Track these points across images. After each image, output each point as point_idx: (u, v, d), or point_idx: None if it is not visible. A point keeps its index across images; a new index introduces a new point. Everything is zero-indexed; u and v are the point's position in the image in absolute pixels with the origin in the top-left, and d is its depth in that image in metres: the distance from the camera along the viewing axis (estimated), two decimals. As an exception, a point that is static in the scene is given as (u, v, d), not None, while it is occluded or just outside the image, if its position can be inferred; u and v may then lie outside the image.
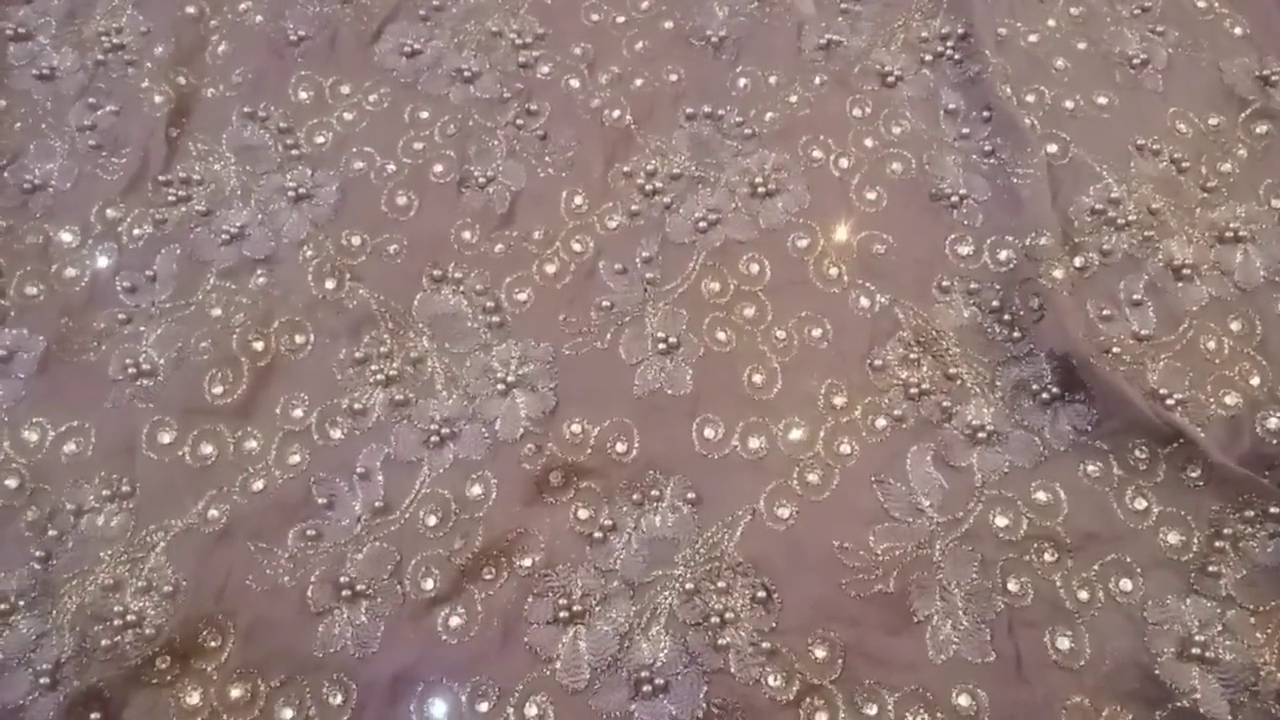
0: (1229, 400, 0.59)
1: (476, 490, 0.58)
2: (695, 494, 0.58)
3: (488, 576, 0.56)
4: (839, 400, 0.60)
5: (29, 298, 0.65)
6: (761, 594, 0.55)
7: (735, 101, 0.72)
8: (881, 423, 0.60)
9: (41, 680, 0.53)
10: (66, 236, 0.68)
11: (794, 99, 0.72)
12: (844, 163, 0.69)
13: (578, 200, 0.68)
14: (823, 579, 0.55)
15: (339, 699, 0.53)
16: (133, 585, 0.56)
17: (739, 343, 0.63)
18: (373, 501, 0.58)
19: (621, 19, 0.77)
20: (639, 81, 0.74)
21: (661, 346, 0.62)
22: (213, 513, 0.58)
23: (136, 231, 0.68)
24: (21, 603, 0.55)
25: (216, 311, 0.64)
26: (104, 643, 0.54)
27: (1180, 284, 0.63)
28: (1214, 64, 0.73)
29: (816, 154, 0.70)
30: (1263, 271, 0.63)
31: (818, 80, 0.73)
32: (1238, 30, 0.75)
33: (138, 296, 0.65)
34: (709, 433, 0.60)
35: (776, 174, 0.68)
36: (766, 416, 0.60)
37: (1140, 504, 0.56)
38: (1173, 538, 0.55)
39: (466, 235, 0.67)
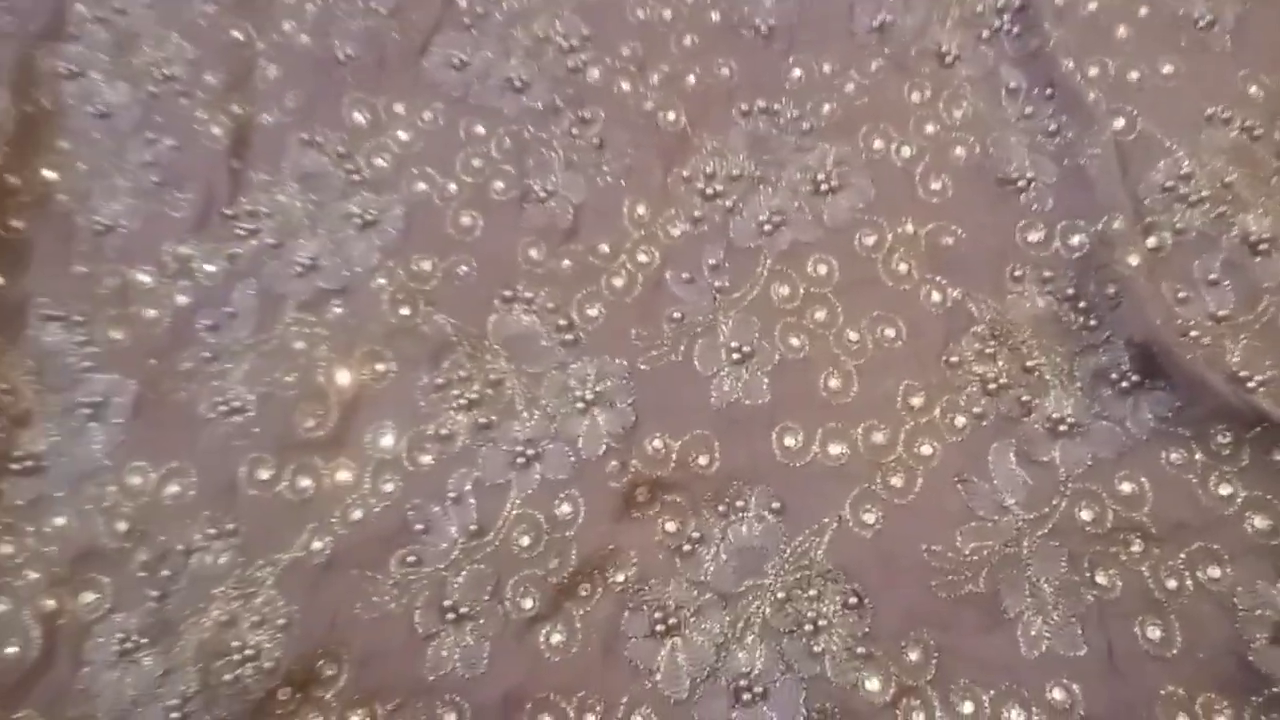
0: (1313, 378, 0.58)
1: (565, 509, 0.60)
2: (780, 503, 0.59)
3: (584, 593, 0.58)
4: (917, 400, 0.61)
5: (115, 342, 0.67)
6: (853, 600, 0.56)
7: (790, 94, 0.72)
8: (961, 421, 0.60)
9: (173, 715, 0.56)
10: (143, 277, 0.69)
11: (850, 88, 0.71)
12: (906, 151, 0.69)
13: (640, 209, 0.69)
14: (913, 582, 0.56)
15: (453, 719, 0.56)
16: (247, 620, 0.58)
17: (813, 347, 0.63)
18: (467, 525, 0.60)
19: (668, 13, 0.76)
20: (691, 79, 0.73)
21: (736, 356, 0.63)
22: (316, 544, 0.60)
23: (210, 268, 0.69)
24: (144, 640, 0.58)
25: (299, 345, 0.66)
26: (226, 678, 0.57)
27: (1258, 259, 0.62)
28: (1286, 18, 0.71)
29: (878, 144, 0.69)
30: (1345, 240, 0.62)
31: (873, 66, 0.72)
32: (1309, -22, 0.72)
33: (220, 334, 0.67)
34: (789, 441, 0.61)
35: (839, 169, 0.68)
36: (845, 421, 0.61)
37: (1225, 490, 0.57)
38: (1260, 522, 0.56)
39: (533, 253, 0.68)
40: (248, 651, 0.57)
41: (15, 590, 0.59)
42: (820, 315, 0.64)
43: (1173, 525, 0.56)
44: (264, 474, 0.62)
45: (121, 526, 0.61)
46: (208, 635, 0.58)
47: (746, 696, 0.55)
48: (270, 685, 0.56)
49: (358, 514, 0.61)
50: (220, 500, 0.62)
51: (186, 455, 0.63)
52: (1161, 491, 0.57)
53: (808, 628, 0.56)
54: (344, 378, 0.65)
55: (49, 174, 0.73)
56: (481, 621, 0.58)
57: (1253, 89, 0.68)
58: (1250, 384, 0.58)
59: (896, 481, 0.59)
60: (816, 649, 0.55)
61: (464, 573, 0.59)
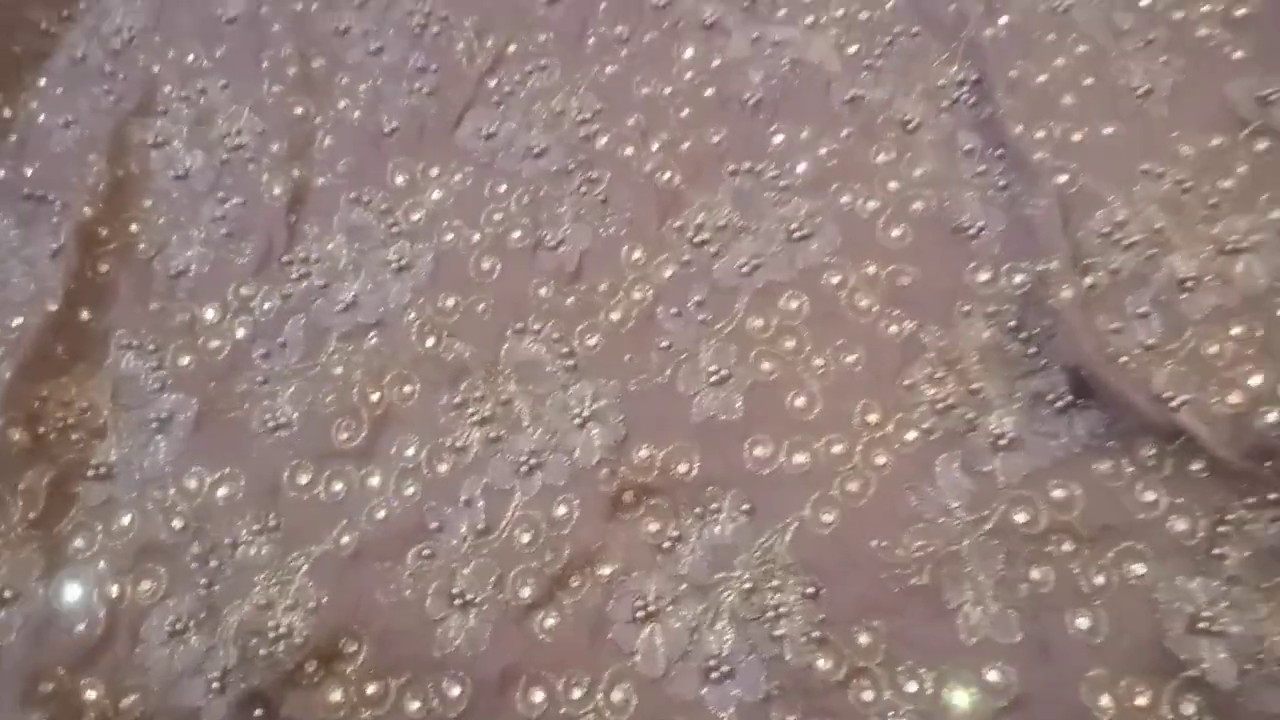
0: (1231, 399, 0.64)
1: (561, 511, 0.68)
2: (750, 505, 0.66)
3: (575, 584, 0.66)
4: (873, 417, 0.68)
5: (182, 367, 0.77)
6: (811, 590, 0.63)
7: (772, 157, 0.81)
8: (912, 435, 0.67)
9: (213, 685, 0.64)
10: (209, 314, 0.80)
11: (824, 151, 0.81)
12: (871, 205, 0.78)
13: (636, 254, 0.78)
14: (864, 575, 0.63)
15: (457, 691, 0.63)
16: (282, 604, 0.66)
17: (782, 371, 0.71)
18: (475, 524, 0.68)
19: (669, 90, 0.87)
20: (686, 145, 0.83)
21: (714, 379, 0.71)
22: (345, 540, 0.68)
23: (266, 306, 0.80)
24: (192, 623, 0.66)
25: (338, 370, 0.75)
26: (262, 652, 0.64)
27: (1184, 295, 0.69)
28: (1216, 88, 0.79)
29: (845, 199, 0.78)
30: (1263, 279, 0.68)
31: (844, 133, 0.81)
32: (1238, 54, 0.81)
33: (271, 361, 0.77)
34: (759, 452, 0.68)
35: (810, 219, 0.77)
36: (809, 435, 0.68)
37: (1149, 496, 0.62)
38: (1180, 525, 0.61)
39: (543, 292, 0.77)
40: (281, 630, 0.65)
41: (85, 578, 0.68)
42: (790, 344, 0.72)
43: (1101, 528, 0.62)
44: (303, 479, 0.71)
45: (178, 524, 0.70)
46: (247, 617, 0.66)
47: (715, 675, 0.61)
48: (299, 659, 0.64)
49: (382, 513, 0.69)
50: (264, 501, 0.71)
51: (238, 463, 0.72)
52: (1091, 498, 0.63)
53: (770, 615, 0.62)
54: (375, 397, 0.74)
55: (133, 227, 0.86)
56: (485, 607, 0.65)
57: (1184, 149, 0.75)
58: (1173, 403, 0.64)
59: (853, 487, 0.66)
60: (777, 634, 0.62)
61: (471, 565, 0.67)
